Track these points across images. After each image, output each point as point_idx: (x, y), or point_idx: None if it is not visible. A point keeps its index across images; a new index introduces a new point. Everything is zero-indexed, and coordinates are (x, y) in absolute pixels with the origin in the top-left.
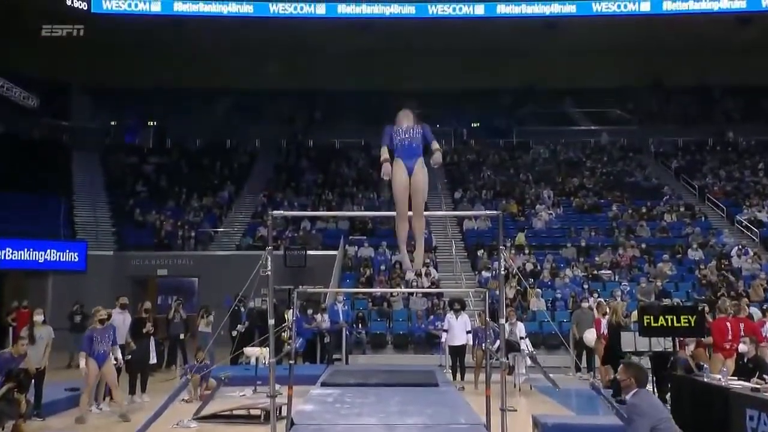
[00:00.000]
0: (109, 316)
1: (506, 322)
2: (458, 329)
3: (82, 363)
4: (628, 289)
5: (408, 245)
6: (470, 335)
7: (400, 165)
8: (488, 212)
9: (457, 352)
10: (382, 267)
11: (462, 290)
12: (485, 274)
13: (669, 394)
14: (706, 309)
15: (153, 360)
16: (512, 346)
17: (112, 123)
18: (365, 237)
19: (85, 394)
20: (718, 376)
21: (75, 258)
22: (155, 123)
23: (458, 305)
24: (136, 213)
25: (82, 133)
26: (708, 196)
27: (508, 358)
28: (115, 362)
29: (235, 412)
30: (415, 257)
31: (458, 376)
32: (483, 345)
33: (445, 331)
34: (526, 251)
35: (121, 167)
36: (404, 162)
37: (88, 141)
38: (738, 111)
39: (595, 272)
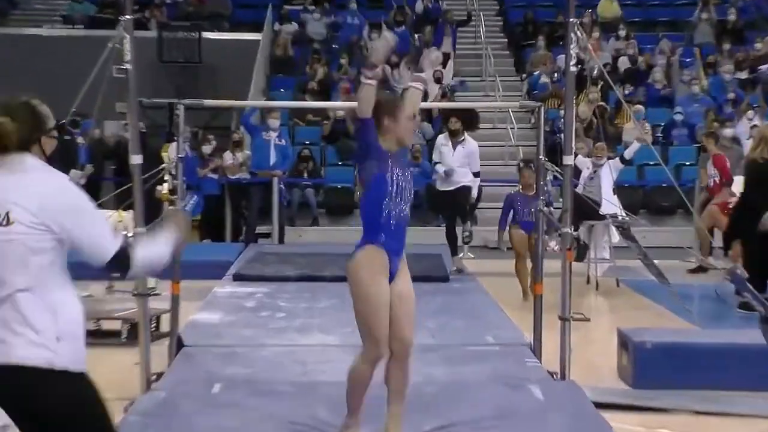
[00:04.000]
0: None
1: (589, 158)
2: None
3: None
4: None
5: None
6: (478, 179)
7: (382, 260)
8: None
9: (450, 199)
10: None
11: (496, 104)
12: (541, 78)
13: None
14: None
15: None
16: (586, 211)
17: None
18: (315, 6)
19: None
20: None
21: None
22: None
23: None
24: None
25: None
26: None
27: (578, 230)
28: None
29: None
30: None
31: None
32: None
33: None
34: (621, 31)
35: None
36: (388, 254)
37: None
38: None
39: (750, 70)
